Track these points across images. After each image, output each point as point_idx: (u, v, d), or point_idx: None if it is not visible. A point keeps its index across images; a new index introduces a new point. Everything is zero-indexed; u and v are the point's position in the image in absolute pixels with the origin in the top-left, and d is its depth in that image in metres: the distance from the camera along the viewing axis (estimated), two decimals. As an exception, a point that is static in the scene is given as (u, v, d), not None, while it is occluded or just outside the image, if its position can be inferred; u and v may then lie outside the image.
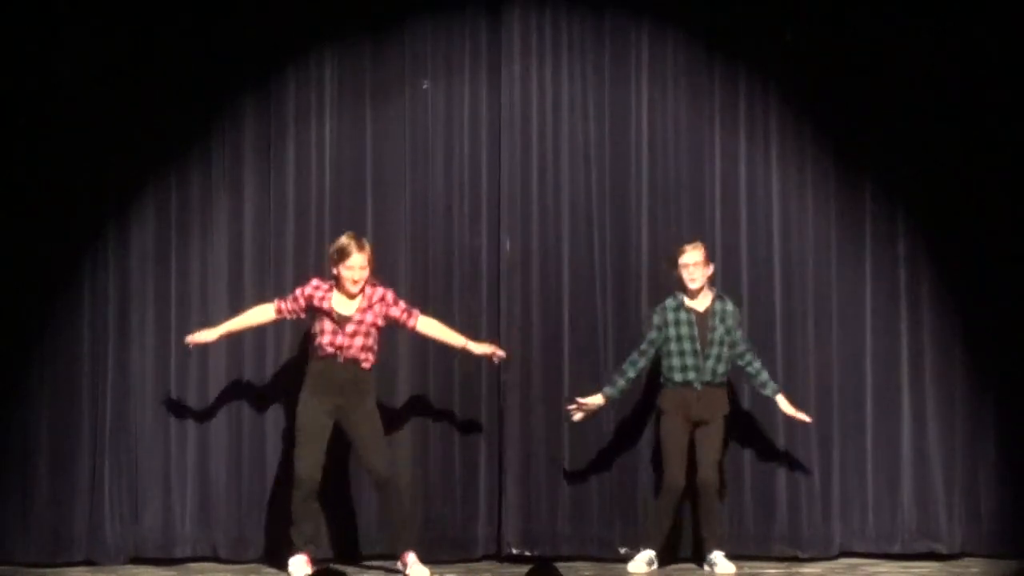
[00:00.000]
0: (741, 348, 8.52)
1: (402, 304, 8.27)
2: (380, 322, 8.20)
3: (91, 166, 8.71)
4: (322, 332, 8.12)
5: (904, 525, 8.87)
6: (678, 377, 8.44)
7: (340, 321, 8.10)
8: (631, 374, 8.52)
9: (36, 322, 8.66)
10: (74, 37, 8.74)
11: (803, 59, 8.99)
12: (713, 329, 8.44)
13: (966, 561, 8.77)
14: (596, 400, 8.53)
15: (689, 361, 8.43)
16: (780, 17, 8.98)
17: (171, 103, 8.75)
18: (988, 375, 8.90)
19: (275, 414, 8.78)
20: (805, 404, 8.86)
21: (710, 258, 8.54)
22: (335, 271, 8.15)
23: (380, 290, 8.21)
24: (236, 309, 8.77)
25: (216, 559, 8.70)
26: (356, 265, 8.10)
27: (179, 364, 8.78)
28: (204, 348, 8.76)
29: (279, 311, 8.30)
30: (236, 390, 8.80)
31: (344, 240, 8.18)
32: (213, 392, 8.79)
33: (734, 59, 9.03)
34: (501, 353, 8.47)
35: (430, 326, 8.34)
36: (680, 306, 8.49)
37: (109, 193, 8.77)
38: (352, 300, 8.16)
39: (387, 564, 8.49)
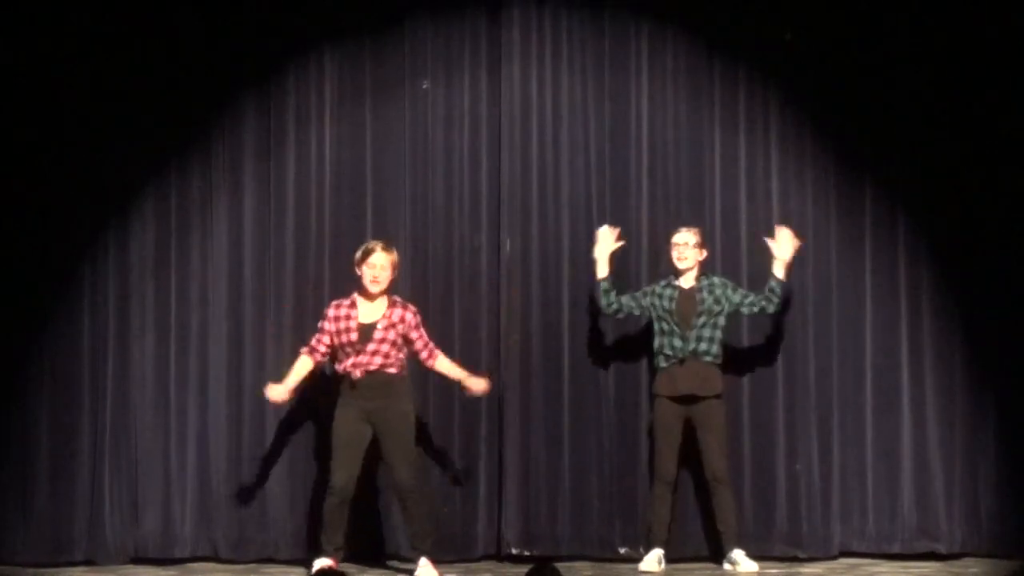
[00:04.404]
0: (750, 298, 8.56)
1: (424, 336, 8.19)
2: (400, 341, 8.13)
3: (91, 166, 8.72)
4: (345, 358, 8.08)
5: (904, 525, 8.86)
6: (667, 350, 8.50)
7: (362, 334, 8.03)
8: (612, 296, 8.60)
9: (36, 322, 8.67)
10: (74, 37, 8.75)
11: (803, 59, 8.99)
12: (701, 302, 8.48)
13: (966, 561, 8.76)
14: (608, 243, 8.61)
15: (675, 331, 8.47)
16: (780, 17, 8.98)
17: (171, 103, 8.75)
18: (988, 375, 8.89)
19: (275, 415, 8.78)
20: (805, 404, 8.88)
21: (705, 245, 8.57)
22: (358, 272, 8.11)
23: (399, 311, 8.12)
24: (236, 309, 8.80)
25: (216, 559, 8.70)
26: (378, 263, 8.06)
27: (179, 364, 8.79)
28: (204, 348, 8.79)
29: (314, 357, 8.17)
30: (236, 390, 8.80)
31: (371, 242, 8.20)
32: (213, 392, 8.79)
33: (734, 59, 9.03)
34: (482, 386, 8.32)
35: (444, 365, 8.27)
36: (668, 284, 8.59)
37: (109, 193, 8.77)
38: (374, 303, 8.10)
39: (395, 565, 8.54)
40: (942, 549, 8.81)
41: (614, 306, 8.62)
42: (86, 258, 8.76)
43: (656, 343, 8.56)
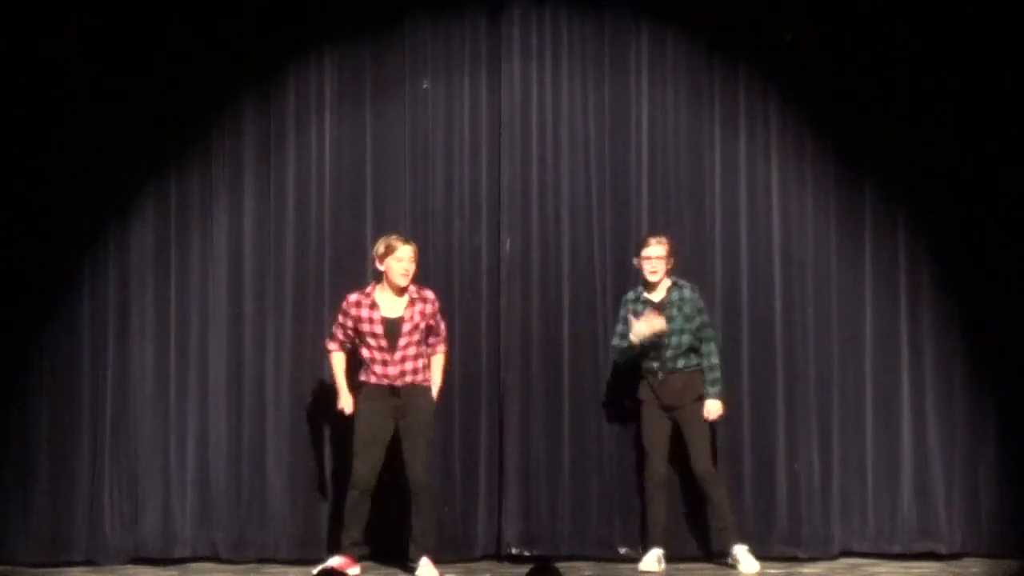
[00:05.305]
0: (707, 333, 8.54)
1: (439, 325, 8.23)
2: (425, 336, 8.16)
3: (91, 166, 8.72)
4: (372, 361, 8.08)
5: (904, 525, 8.86)
6: (644, 364, 8.51)
7: (388, 330, 8.03)
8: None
9: (36, 322, 8.66)
10: (75, 37, 8.75)
11: (803, 59, 8.99)
12: (671, 319, 8.47)
13: (966, 561, 8.76)
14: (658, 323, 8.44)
15: (650, 350, 8.46)
16: (780, 17, 8.98)
17: (171, 103, 8.75)
18: (988, 375, 8.89)
19: (276, 414, 8.79)
20: (805, 404, 8.88)
21: (674, 252, 8.57)
22: (381, 267, 8.10)
23: (419, 305, 8.12)
24: (236, 309, 8.81)
25: (216, 559, 8.70)
26: (405, 257, 8.08)
27: (179, 364, 8.79)
28: (204, 348, 8.79)
29: (344, 349, 8.18)
30: (236, 390, 8.80)
31: (389, 237, 8.19)
32: (213, 392, 8.79)
33: (734, 59, 9.03)
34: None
35: (434, 364, 8.26)
36: (638, 298, 8.57)
37: (109, 193, 8.77)
38: (399, 299, 8.11)
39: (396, 565, 8.53)
40: (942, 549, 8.81)
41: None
42: (86, 258, 8.76)
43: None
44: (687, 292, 8.55)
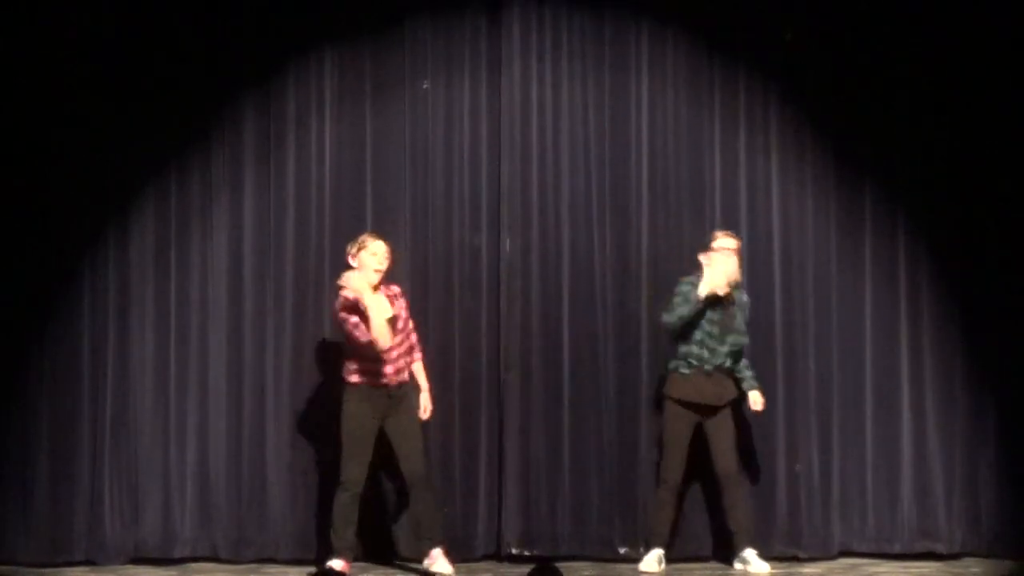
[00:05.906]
0: (745, 339, 8.57)
1: (410, 324, 8.26)
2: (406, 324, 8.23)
3: (91, 166, 8.72)
4: (363, 358, 8.07)
5: (904, 525, 8.87)
6: (694, 360, 8.46)
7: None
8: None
9: (36, 322, 8.67)
10: (74, 37, 8.75)
11: (803, 59, 8.99)
12: (734, 318, 8.47)
13: (966, 561, 8.77)
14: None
15: (708, 342, 8.45)
16: (780, 17, 8.98)
17: (171, 104, 8.75)
18: (988, 375, 8.90)
19: (276, 414, 8.79)
20: (805, 404, 8.88)
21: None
22: (354, 263, 8.11)
23: (396, 299, 8.16)
24: (236, 309, 8.81)
25: (216, 559, 8.70)
26: (380, 251, 8.11)
27: (179, 364, 8.79)
28: (204, 348, 8.78)
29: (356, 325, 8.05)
30: (236, 390, 8.80)
31: (361, 236, 8.23)
32: (213, 392, 8.79)
33: (734, 59, 9.03)
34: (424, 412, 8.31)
35: (418, 369, 8.31)
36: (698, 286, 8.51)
37: (109, 193, 8.77)
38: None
39: (399, 563, 8.55)
40: (942, 549, 8.81)
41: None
42: (86, 258, 8.76)
43: (683, 349, 8.49)
44: (745, 297, 8.59)
